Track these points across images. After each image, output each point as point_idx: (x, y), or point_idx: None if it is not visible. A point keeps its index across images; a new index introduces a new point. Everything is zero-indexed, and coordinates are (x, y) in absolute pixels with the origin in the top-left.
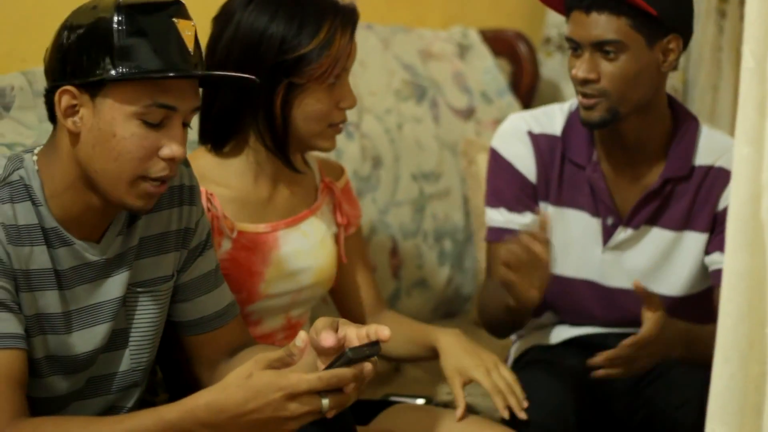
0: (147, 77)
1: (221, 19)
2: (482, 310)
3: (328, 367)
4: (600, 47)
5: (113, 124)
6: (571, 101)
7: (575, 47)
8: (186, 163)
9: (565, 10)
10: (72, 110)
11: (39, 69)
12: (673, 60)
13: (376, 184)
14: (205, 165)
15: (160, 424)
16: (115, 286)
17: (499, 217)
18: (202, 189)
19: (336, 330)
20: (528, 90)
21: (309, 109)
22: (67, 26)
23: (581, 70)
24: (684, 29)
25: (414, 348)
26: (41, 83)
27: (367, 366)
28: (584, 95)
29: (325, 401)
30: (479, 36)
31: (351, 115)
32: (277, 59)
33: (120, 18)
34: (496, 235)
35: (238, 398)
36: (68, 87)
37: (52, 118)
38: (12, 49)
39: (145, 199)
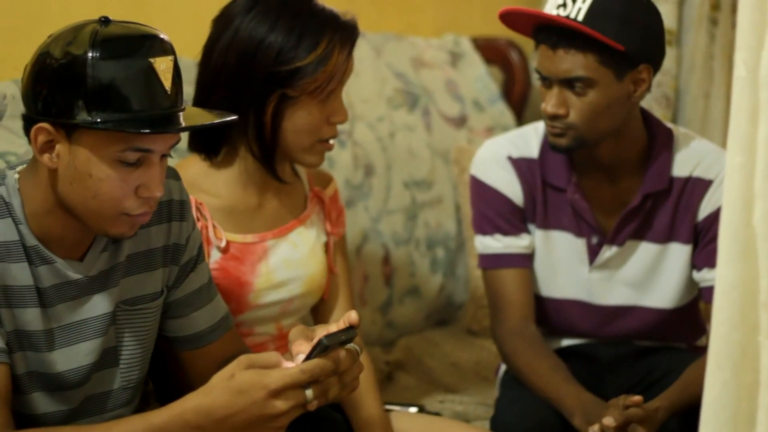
0: (121, 130)
1: (220, 22)
2: (522, 371)
3: (306, 359)
4: (568, 83)
5: (89, 165)
6: (543, 122)
7: (544, 79)
8: (176, 176)
9: (534, 42)
10: (48, 146)
11: None
12: (645, 89)
13: (368, 192)
14: (196, 173)
15: (148, 429)
16: (100, 303)
17: (495, 243)
18: (192, 198)
19: (309, 337)
20: (520, 98)
21: (299, 122)
22: (44, 55)
23: (550, 105)
24: (654, 58)
25: None
26: None
27: (341, 352)
28: (552, 126)
29: (309, 392)
30: (471, 44)
31: (338, 133)
32: (272, 69)
33: (94, 56)
34: (497, 261)
35: (223, 401)
36: (43, 125)
37: (31, 144)
38: (4, 57)
39: (126, 227)
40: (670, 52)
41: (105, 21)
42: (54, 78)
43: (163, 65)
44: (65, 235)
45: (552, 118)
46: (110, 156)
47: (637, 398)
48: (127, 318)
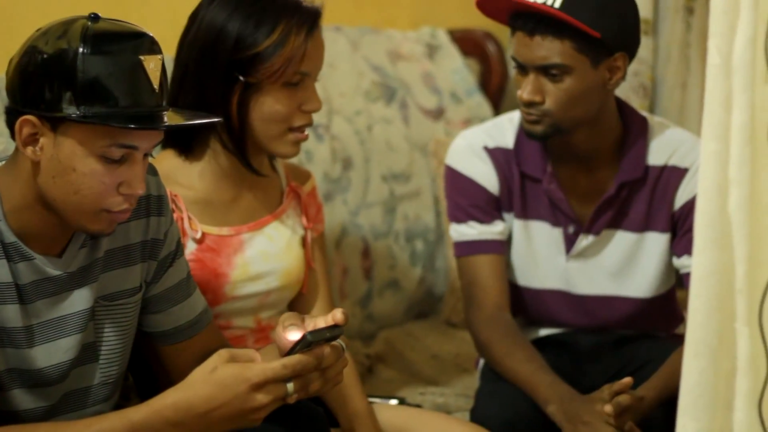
0: (108, 125)
1: (191, 18)
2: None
3: (289, 353)
4: (545, 70)
5: (73, 159)
6: (518, 112)
7: (520, 67)
8: (153, 171)
9: (510, 29)
10: (32, 138)
11: None
12: (620, 77)
13: (346, 186)
14: (170, 166)
15: (128, 426)
16: (79, 299)
17: (470, 230)
18: (167, 190)
19: (300, 326)
20: (497, 89)
21: (266, 110)
22: (33, 48)
23: (526, 92)
24: (630, 46)
25: None
26: None
27: (326, 349)
28: (528, 113)
29: (290, 386)
30: (448, 36)
31: (320, 117)
32: (232, 57)
33: (85, 51)
34: (471, 248)
35: (204, 394)
36: (29, 117)
37: (14, 136)
38: None
39: (105, 224)
40: (646, 42)
41: (95, 17)
42: (43, 71)
43: (152, 64)
44: (44, 231)
45: (528, 105)
46: (95, 151)
47: (627, 380)
48: (106, 313)
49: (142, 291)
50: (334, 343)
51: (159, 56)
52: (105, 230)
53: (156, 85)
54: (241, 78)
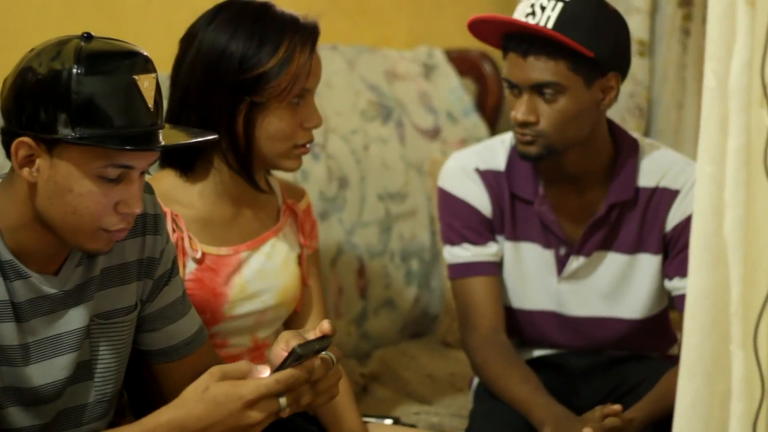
0: (104, 146)
1: (185, 40)
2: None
3: (280, 367)
4: (538, 89)
5: (70, 180)
6: (510, 134)
7: (513, 87)
8: (150, 190)
9: (502, 51)
10: (28, 160)
11: None
12: (613, 97)
13: (342, 205)
14: (170, 186)
15: None
16: (75, 317)
17: (464, 252)
18: (167, 210)
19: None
20: (493, 109)
21: (272, 129)
22: (27, 69)
23: (520, 112)
24: (622, 66)
25: None
26: None
27: (316, 362)
28: (522, 134)
29: (282, 400)
30: (444, 56)
31: (317, 135)
32: (237, 78)
33: (79, 72)
34: (466, 270)
35: (198, 413)
36: (25, 139)
37: (9, 156)
38: None
39: (103, 243)
40: (642, 63)
41: (88, 37)
42: (37, 92)
43: (146, 83)
44: (40, 249)
45: (522, 125)
46: (91, 171)
47: (617, 407)
48: (101, 332)
49: (138, 309)
50: (323, 355)
51: (153, 75)
52: (102, 249)
53: (151, 104)
54: (247, 98)
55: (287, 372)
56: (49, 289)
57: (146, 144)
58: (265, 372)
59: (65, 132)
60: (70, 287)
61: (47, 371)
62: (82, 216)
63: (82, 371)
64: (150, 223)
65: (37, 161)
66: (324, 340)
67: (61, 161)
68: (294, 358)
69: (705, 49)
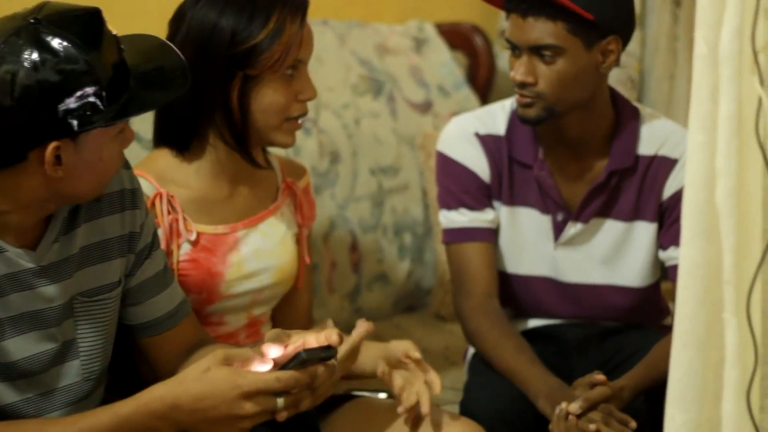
0: (134, 115)
1: (174, 21)
2: (486, 350)
3: (283, 368)
4: (537, 51)
5: (100, 150)
6: (511, 100)
7: (514, 48)
8: (126, 165)
9: (505, 12)
10: (57, 160)
11: None
12: (613, 60)
13: (334, 180)
14: (165, 166)
15: (114, 420)
16: (53, 293)
17: (461, 217)
18: (164, 191)
19: (284, 341)
20: (485, 83)
21: (266, 101)
22: (12, 83)
23: (519, 73)
24: (623, 30)
25: None
26: None
27: (320, 368)
28: (522, 95)
29: (280, 401)
30: (435, 30)
31: (308, 110)
32: (229, 52)
33: (87, 58)
34: (461, 235)
35: (194, 392)
36: (51, 145)
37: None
38: None
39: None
40: (634, 34)
41: (38, 38)
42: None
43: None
44: (19, 224)
45: (521, 86)
46: (118, 133)
47: (601, 377)
48: (85, 310)
49: (122, 285)
50: (327, 363)
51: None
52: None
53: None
54: (241, 72)
55: (289, 373)
56: (27, 264)
57: (165, 83)
58: (266, 366)
59: (97, 118)
60: (47, 263)
61: (25, 345)
62: (105, 178)
63: (68, 350)
64: (128, 197)
65: (63, 156)
66: (330, 350)
67: (88, 139)
68: (298, 361)
69: (695, 17)
